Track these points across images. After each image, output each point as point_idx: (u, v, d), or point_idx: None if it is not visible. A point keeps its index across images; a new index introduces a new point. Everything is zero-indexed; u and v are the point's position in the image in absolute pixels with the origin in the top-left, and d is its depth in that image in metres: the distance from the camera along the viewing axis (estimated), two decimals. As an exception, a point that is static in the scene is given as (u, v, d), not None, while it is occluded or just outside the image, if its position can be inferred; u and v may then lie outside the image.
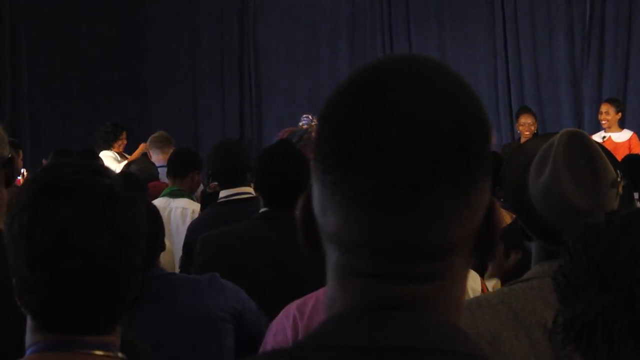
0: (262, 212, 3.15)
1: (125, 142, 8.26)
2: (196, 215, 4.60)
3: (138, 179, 4.56)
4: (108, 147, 8.08)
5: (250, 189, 3.91)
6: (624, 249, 1.26)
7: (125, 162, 7.24)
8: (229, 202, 4.00)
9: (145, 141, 7.25)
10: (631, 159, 5.18)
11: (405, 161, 0.80)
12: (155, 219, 2.54)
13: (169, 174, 5.10)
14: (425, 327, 0.82)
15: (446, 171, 0.81)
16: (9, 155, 1.91)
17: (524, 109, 8.38)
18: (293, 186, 3.13)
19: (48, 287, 1.31)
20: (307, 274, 3.00)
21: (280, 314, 2.25)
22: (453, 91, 0.84)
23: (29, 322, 1.36)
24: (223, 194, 4.13)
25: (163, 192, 4.95)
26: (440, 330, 0.83)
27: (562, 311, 1.28)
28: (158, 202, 4.62)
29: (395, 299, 0.83)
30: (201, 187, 5.45)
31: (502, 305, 1.64)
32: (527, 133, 7.96)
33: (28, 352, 1.35)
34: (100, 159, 6.25)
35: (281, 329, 2.19)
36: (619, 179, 1.68)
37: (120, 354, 1.37)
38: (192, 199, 4.99)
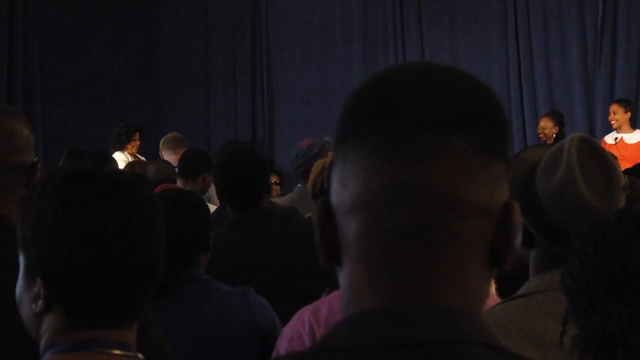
0: (231, 219, 3.17)
1: (138, 143, 8.23)
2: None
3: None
4: (121, 148, 8.04)
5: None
6: (637, 253, 1.22)
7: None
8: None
9: (157, 141, 7.22)
10: None
11: (432, 108, 0.82)
12: (198, 216, 2.53)
13: (180, 175, 5.05)
14: (451, 320, 0.80)
15: (470, 125, 0.82)
16: (34, 160, 1.89)
17: (546, 113, 8.35)
18: (254, 189, 3.15)
19: (84, 274, 1.33)
20: (282, 277, 3.01)
21: (293, 321, 2.21)
22: (475, 80, 0.87)
23: (52, 322, 1.36)
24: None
25: (173, 194, 4.91)
26: (471, 325, 0.81)
27: (577, 320, 1.24)
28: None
29: (415, 266, 0.81)
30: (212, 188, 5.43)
31: (511, 326, 1.61)
32: (542, 136, 7.96)
33: (47, 354, 1.35)
34: (112, 161, 6.21)
35: (297, 335, 2.14)
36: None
37: (139, 355, 1.37)
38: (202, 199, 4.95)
